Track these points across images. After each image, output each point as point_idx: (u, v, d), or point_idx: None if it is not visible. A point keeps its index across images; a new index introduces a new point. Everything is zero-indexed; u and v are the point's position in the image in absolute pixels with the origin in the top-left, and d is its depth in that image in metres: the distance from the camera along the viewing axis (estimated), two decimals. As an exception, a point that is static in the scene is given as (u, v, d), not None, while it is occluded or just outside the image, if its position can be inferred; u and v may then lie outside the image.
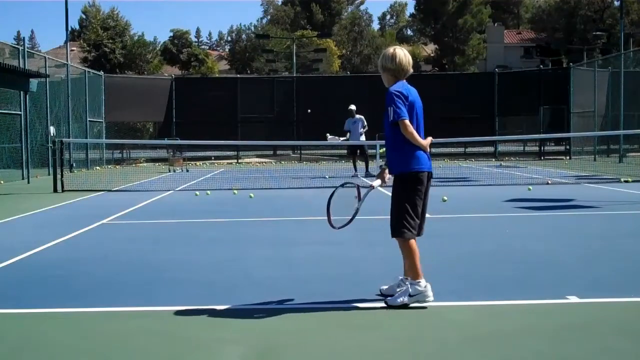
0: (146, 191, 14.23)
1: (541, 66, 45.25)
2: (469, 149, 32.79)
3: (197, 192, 13.28)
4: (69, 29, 27.31)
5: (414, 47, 72.42)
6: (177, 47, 71.33)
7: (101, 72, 28.72)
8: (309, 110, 25.26)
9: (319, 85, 31.82)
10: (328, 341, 3.88)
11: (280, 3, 75.20)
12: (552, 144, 34.59)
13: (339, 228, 4.74)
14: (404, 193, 4.59)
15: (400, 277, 4.78)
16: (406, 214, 4.54)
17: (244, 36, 77.51)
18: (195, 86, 32.14)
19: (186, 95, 29.68)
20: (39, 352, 3.79)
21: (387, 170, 4.73)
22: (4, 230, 8.82)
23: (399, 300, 4.53)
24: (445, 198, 11.03)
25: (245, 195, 12.64)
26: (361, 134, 17.37)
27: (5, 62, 17.08)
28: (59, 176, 14.17)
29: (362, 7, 79.52)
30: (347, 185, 4.88)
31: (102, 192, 14.07)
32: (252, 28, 75.26)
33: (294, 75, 37.64)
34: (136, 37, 66.79)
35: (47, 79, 20.13)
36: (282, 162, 28.23)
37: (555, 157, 29.75)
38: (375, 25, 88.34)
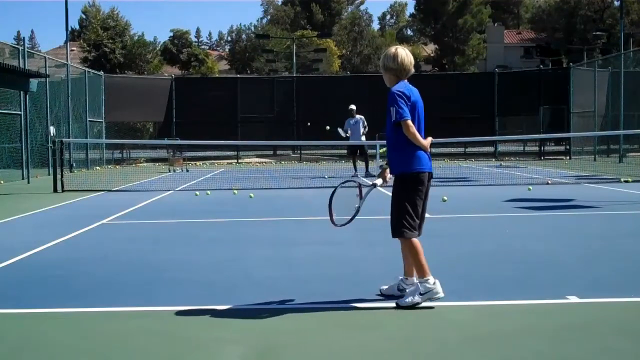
0: (146, 191, 14.23)
1: (541, 66, 45.26)
2: (469, 149, 32.79)
3: (197, 192, 13.29)
4: (69, 29, 27.33)
5: (414, 47, 72.36)
6: (177, 47, 71.32)
7: (101, 72, 28.73)
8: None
9: (319, 85, 31.83)
10: (328, 341, 3.88)
11: (280, 3, 75.19)
12: (552, 144, 34.59)
13: (340, 226, 4.74)
14: (404, 193, 4.59)
15: (400, 277, 4.78)
16: (406, 214, 4.54)
17: (244, 36, 77.52)
18: (195, 86, 32.14)
19: (186, 95, 29.69)
20: (39, 352, 3.79)
21: (388, 170, 4.73)
22: (4, 230, 8.82)
23: (409, 299, 4.50)
24: (445, 198, 11.03)
25: (245, 195, 12.64)
26: (362, 134, 17.38)
27: (5, 62, 17.08)
28: (59, 176, 14.17)
29: (362, 7, 79.58)
30: (349, 182, 4.88)
31: (102, 192, 14.07)
32: (252, 28, 75.28)
33: (294, 75, 37.65)
34: (136, 37, 66.79)
35: (47, 79, 20.13)
36: (282, 162, 28.23)
37: (555, 157, 29.75)
38: (375, 25, 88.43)
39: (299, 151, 31.00)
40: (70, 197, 12.81)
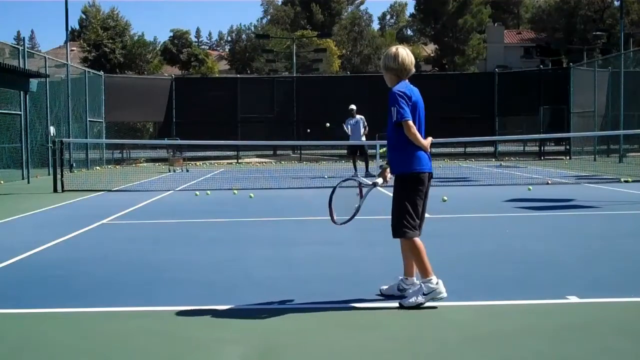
0: (146, 191, 14.23)
1: (541, 66, 45.26)
2: (469, 149, 32.79)
3: (197, 192, 13.28)
4: (69, 29, 27.33)
5: (414, 47, 72.32)
6: (177, 47, 71.32)
7: (101, 72, 28.73)
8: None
9: (319, 85, 31.83)
10: (328, 341, 3.88)
11: (280, 3, 75.20)
12: (552, 144, 34.60)
13: (340, 224, 4.74)
14: (404, 193, 4.58)
15: (400, 277, 4.78)
16: (407, 214, 4.54)
17: (244, 36, 77.51)
18: (195, 86, 32.15)
19: (186, 95, 29.69)
20: (39, 352, 3.79)
21: (388, 169, 4.73)
22: (4, 230, 8.81)
23: (412, 300, 4.49)
24: (445, 198, 11.03)
25: (245, 195, 12.64)
26: (363, 135, 17.39)
27: (5, 62, 17.08)
28: (59, 176, 14.16)
29: (362, 7, 79.60)
30: (349, 181, 4.88)
31: (102, 192, 14.07)
32: (252, 28, 75.28)
33: (294, 75, 37.65)
34: (136, 37, 66.79)
35: (47, 79, 20.13)
36: (282, 162, 28.23)
37: (555, 157, 29.75)
38: (375, 25, 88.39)
39: (299, 151, 31.01)
40: (70, 197, 12.81)
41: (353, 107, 17.53)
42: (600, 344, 3.75)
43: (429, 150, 4.67)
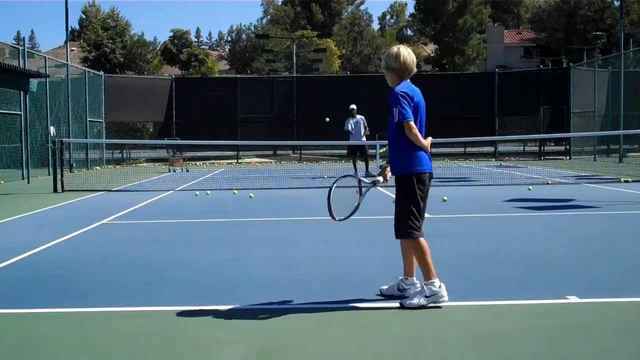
0: (146, 191, 14.23)
1: (541, 66, 45.25)
2: (469, 149, 32.78)
3: (197, 192, 13.28)
4: (69, 29, 27.32)
5: (414, 47, 72.27)
6: (177, 47, 71.32)
7: (101, 72, 28.73)
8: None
9: (319, 85, 31.81)
10: (328, 341, 3.88)
11: (280, 3, 75.18)
12: (552, 144, 34.59)
13: (339, 220, 4.74)
14: (405, 194, 4.58)
15: (400, 277, 4.78)
16: (411, 214, 4.54)
17: (244, 36, 77.51)
18: (195, 86, 32.14)
19: (186, 95, 29.69)
20: (39, 352, 3.79)
21: (388, 169, 4.73)
22: (4, 230, 8.82)
23: (414, 301, 4.49)
24: (445, 198, 11.03)
25: (245, 195, 12.64)
26: (363, 135, 17.39)
27: (5, 62, 17.08)
28: (59, 176, 14.16)
29: (362, 7, 79.54)
30: (349, 177, 4.88)
31: (102, 192, 14.07)
32: (252, 28, 75.27)
33: (294, 75, 37.65)
34: (136, 37, 66.80)
35: (47, 79, 20.13)
36: (282, 162, 28.23)
37: (555, 157, 29.75)
38: (375, 25, 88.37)
39: (299, 151, 31.00)
40: (70, 197, 12.81)
41: (353, 106, 17.53)
42: (600, 344, 3.75)
43: (430, 150, 4.67)
